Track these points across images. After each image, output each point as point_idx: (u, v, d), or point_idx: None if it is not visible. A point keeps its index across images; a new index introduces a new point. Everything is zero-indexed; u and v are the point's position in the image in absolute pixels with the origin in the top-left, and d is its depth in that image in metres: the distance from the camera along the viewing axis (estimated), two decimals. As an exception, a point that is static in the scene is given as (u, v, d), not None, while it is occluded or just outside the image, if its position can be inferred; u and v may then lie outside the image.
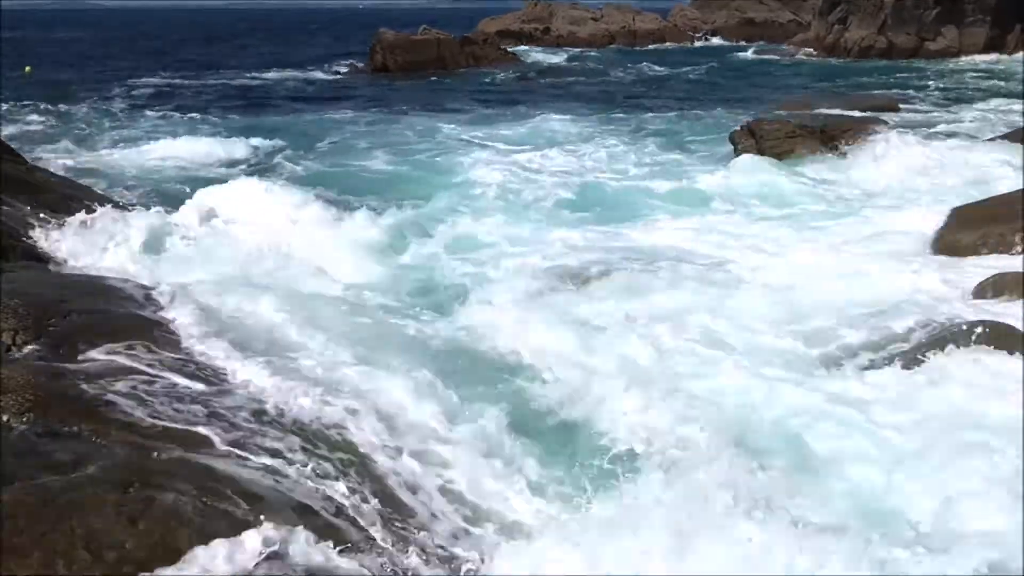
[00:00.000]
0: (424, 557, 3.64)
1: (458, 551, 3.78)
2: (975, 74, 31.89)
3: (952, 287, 7.20)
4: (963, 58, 37.00)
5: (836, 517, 4.04)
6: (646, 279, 7.77)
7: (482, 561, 3.70)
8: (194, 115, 22.54)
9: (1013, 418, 4.69)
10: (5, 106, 22.26)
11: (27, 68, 36.12)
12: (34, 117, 21.25)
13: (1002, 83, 27.90)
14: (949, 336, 5.77)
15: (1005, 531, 3.65)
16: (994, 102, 23.35)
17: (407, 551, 3.63)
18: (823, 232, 9.78)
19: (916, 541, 3.74)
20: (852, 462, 4.60)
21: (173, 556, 3.17)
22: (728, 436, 4.69)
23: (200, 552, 3.17)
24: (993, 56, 36.50)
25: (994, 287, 6.84)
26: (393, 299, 7.68)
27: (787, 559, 3.36)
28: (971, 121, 19.90)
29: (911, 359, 5.72)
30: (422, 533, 3.85)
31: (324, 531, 3.54)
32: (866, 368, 5.84)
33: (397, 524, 3.87)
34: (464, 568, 3.64)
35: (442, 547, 3.78)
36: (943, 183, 11.58)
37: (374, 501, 3.92)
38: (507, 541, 3.80)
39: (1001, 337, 5.59)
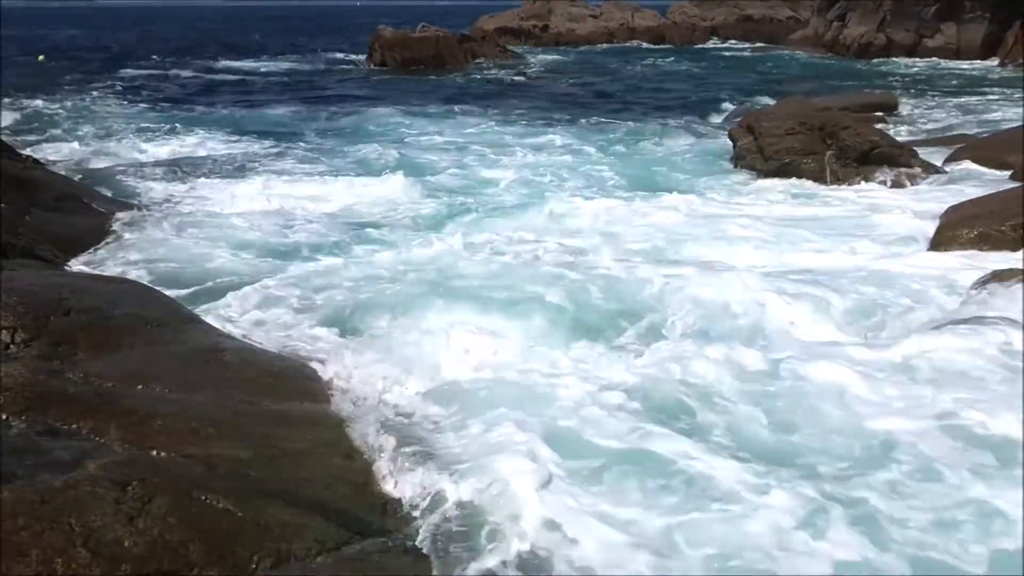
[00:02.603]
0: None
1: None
2: (971, 77, 31.79)
3: (950, 285, 7.22)
4: (963, 62, 36.75)
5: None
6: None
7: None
8: (188, 109, 22.78)
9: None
10: (7, 99, 22.37)
11: (40, 56, 36.79)
12: (36, 109, 21.35)
13: (998, 87, 27.83)
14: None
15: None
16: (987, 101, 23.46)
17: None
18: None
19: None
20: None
21: (171, 555, 3.19)
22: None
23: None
24: (992, 62, 36.22)
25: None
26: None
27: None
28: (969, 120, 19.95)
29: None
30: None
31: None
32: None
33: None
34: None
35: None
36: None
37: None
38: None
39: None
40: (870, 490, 4.10)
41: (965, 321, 5.92)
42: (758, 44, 50.75)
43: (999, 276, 6.75)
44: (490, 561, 3.71)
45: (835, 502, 4.00)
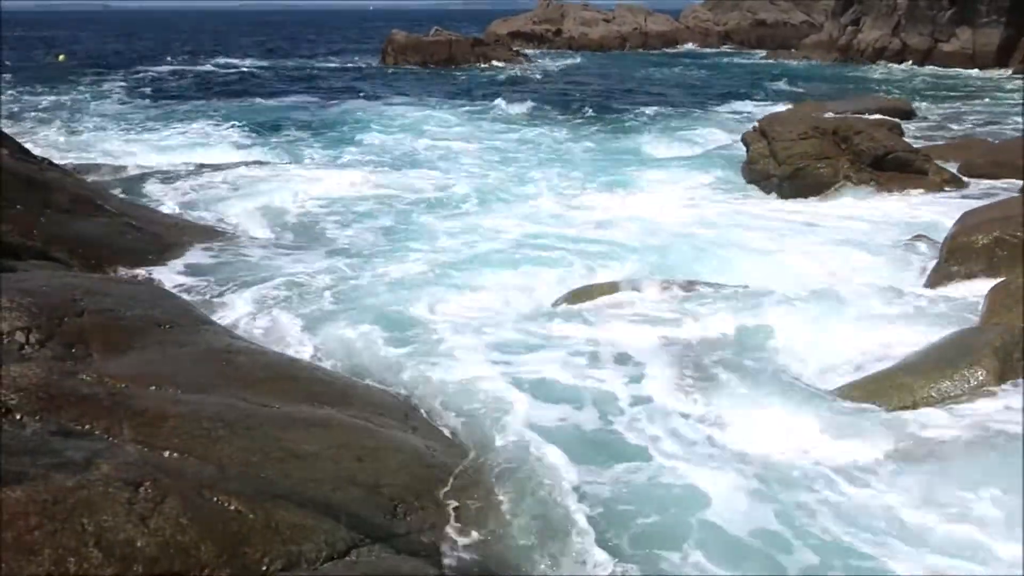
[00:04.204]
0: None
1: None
2: (986, 86, 31.56)
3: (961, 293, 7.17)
4: (974, 72, 36.41)
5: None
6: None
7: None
8: (204, 106, 23.24)
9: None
10: (24, 96, 22.75)
11: (60, 56, 37.42)
12: (52, 107, 21.65)
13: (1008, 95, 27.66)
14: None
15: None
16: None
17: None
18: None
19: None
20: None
21: (183, 555, 3.19)
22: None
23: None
24: (1004, 71, 35.87)
25: (1003, 293, 6.74)
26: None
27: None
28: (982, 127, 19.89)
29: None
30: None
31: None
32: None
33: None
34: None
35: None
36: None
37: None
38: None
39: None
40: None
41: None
42: (771, 49, 50.55)
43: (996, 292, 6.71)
44: (502, 565, 3.71)
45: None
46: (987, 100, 25.41)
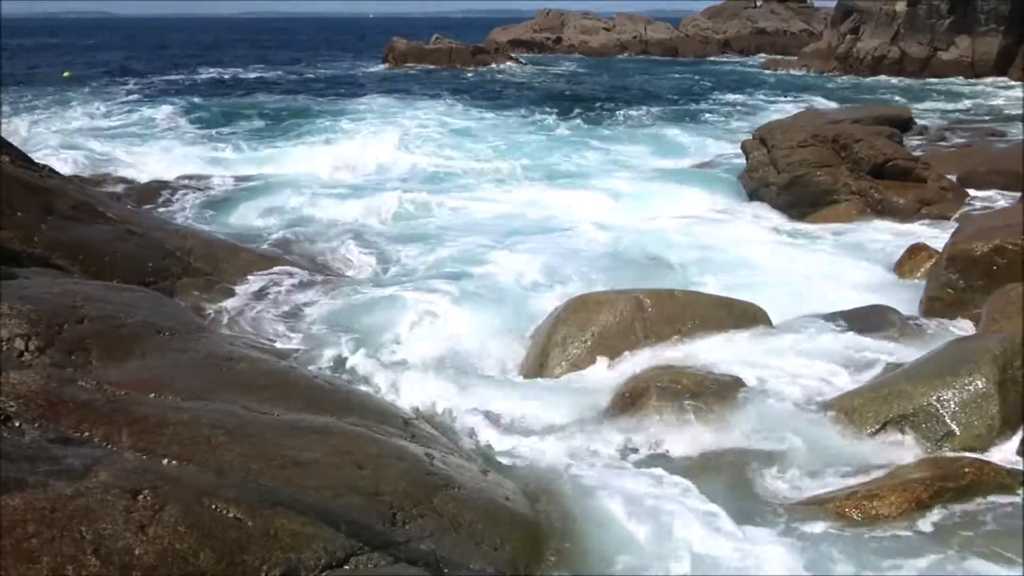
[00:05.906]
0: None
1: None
2: (985, 94, 31.55)
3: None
4: (974, 80, 36.42)
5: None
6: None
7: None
8: (203, 109, 23.52)
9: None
10: (29, 105, 22.90)
11: (66, 72, 37.68)
12: (52, 114, 21.73)
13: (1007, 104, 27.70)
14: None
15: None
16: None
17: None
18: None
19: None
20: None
21: (181, 563, 3.19)
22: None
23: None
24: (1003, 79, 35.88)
25: (1004, 301, 6.73)
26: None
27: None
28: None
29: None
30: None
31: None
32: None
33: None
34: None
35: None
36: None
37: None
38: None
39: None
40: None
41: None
42: (769, 58, 50.64)
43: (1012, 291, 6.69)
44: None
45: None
46: (987, 108, 25.45)
